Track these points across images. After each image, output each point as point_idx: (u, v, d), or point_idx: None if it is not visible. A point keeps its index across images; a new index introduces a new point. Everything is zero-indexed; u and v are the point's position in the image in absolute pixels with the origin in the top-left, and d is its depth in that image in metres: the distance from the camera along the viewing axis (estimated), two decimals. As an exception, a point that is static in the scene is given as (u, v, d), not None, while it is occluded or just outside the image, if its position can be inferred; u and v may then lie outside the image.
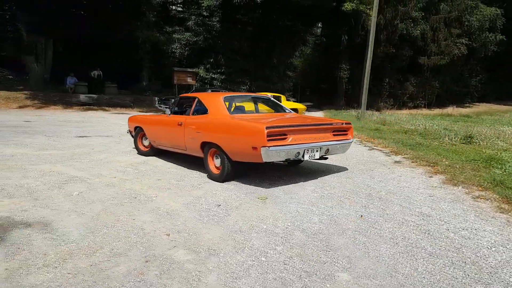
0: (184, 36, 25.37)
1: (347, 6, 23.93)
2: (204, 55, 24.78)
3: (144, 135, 7.21)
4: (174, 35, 25.66)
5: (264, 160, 4.54)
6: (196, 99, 6.00)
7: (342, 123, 5.61)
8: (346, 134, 5.57)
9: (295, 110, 14.77)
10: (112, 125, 12.16)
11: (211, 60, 24.43)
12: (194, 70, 23.42)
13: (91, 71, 20.72)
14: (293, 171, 6.10)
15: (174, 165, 6.34)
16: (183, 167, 6.17)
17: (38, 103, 16.66)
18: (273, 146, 4.50)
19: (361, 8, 24.45)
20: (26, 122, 11.76)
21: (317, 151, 5.02)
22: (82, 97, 19.20)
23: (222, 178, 5.17)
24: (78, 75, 20.49)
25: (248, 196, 4.60)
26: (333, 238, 3.36)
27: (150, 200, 4.39)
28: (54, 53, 20.96)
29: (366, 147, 8.73)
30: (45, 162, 6.23)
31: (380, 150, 8.35)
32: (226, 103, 5.67)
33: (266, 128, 4.48)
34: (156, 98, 17.49)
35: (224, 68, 24.41)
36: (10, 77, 21.85)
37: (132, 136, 7.60)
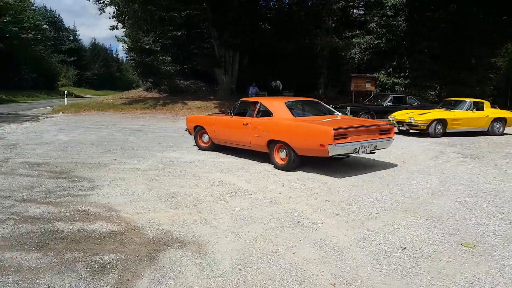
0: (365, 39, 24.23)
1: None
2: (386, 58, 23.03)
3: (203, 133, 8.26)
4: (353, 40, 24.80)
5: (330, 154, 5.69)
6: (259, 104, 7.09)
7: (386, 124, 6.87)
8: (390, 133, 6.56)
9: (503, 119, 11.88)
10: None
11: (394, 63, 22.52)
12: (373, 75, 22.02)
13: (271, 81, 21.77)
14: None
15: (346, 183, 5.53)
16: (355, 186, 5.30)
17: (224, 111, 18.39)
18: (337, 143, 5.63)
19: None
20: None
21: (368, 147, 6.11)
22: (262, 105, 20.30)
23: (287, 168, 6.31)
24: (259, 84, 21.87)
25: (446, 239, 3.42)
26: None
27: (314, 228, 3.70)
28: (239, 65, 22.94)
29: None
30: (218, 170, 6.32)
31: None
32: (288, 107, 6.86)
33: (333, 129, 5.61)
34: (331, 106, 16.98)
35: (409, 71, 22.14)
36: (204, 88, 25.04)
37: (190, 134, 8.80)
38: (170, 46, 26.54)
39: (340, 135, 5.70)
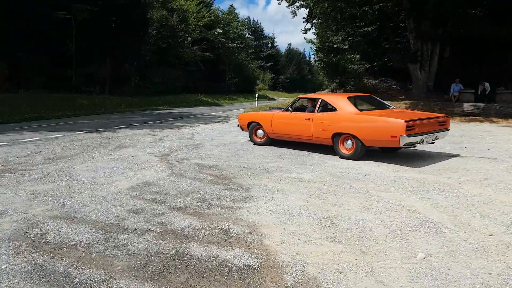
0: None
1: None
2: None
3: (258, 128, 8.94)
4: None
5: (401, 144, 6.25)
6: (320, 100, 7.69)
7: (444, 116, 7.32)
8: (446, 125, 7.17)
9: None
10: (500, 142, 9.48)
11: None
12: None
13: (479, 84, 18.01)
14: None
15: None
16: None
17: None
18: (408, 134, 6.19)
19: None
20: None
21: (431, 138, 6.68)
22: (466, 106, 17.00)
23: (354, 157, 6.93)
24: (463, 81, 18.42)
25: None
26: None
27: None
28: (439, 59, 19.93)
29: None
30: (399, 189, 4.99)
31: None
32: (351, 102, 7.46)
33: (405, 121, 6.20)
34: None
35: None
36: (394, 87, 22.85)
37: (242, 130, 9.62)
38: (359, 43, 25.35)
39: (410, 127, 6.24)
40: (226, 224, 3.74)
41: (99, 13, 27.91)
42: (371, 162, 6.84)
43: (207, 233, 3.53)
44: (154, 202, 4.50)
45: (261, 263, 2.93)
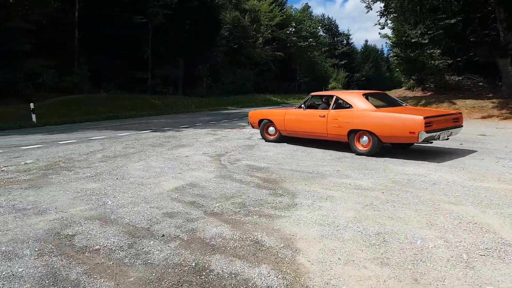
0: None
1: None
2: None
3: (269, 126, 9.07)
4: None
5: (419, 140, 6.33)
6: (335, 97, 7.83)
7: (458, 113, 7.44)
8: (459, 121, 7.26)
9: None
10: None
11: None
12: None
13: None
14: None
15: None
16: None
17: (505, 113, 14.23)
18: (426, 130, 6.27)
19: None
20: (481, 136, 9.90)
21: (446, 134, 6.81)
22: None
23: (370, 153, 7.04)
24: None
25: None
26: None
27: None
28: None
29: None
30: (472, 202, 4.21)
31: None
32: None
33: (424, 118, 6.29)
34: None
35: None
36: (480, 84, 20.57)
37: (253, 127, 9.82)
38: (441, 37, 23.29)
39: (428, 123, 6.31)
40: (259, 235, 3.37)
41: (173, 17, 29.09)
42: (444, 167, 6.00)
43: (236, 244, 3.20)
44: (192, 205, 4.27)
45: (286, 286, 2.52)
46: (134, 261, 2.93)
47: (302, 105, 8.32)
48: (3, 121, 14.58)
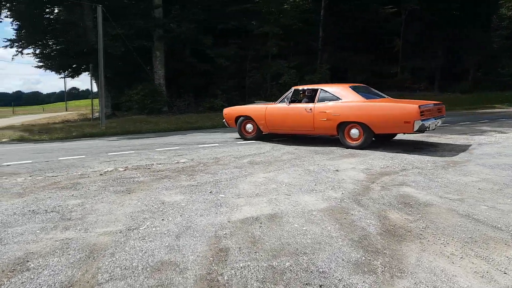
0: None
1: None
2: None
3: (247, 123, 9.03)
4: None
5: (414, 130, 6.45)
6: (319, 90, 7.79)
7: (441, 103, 7.59)
8: (442, 111, 7.48)
9: None
10: None
11: None
12: None
13: None
14: None
15: None
16: None
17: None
18: (421, 120, 6.41)
19: None
20: None
21: (435, 123, 6.94)
22: None
23: (361, 146, 7.11)
24: None
25: None
26: None
27: None
28: None
29: None
30: None
31: None
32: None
33: (419, 107, 6.44)
34: None
35: None
36: None
37: (227, 126, 9.78)
38: None
39: (422, 112, 6.48)
40: None
41: (431, 1, 25.68)
42: None
43: None
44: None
45: None
46: None
47: (285, 100, 8.20)
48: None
